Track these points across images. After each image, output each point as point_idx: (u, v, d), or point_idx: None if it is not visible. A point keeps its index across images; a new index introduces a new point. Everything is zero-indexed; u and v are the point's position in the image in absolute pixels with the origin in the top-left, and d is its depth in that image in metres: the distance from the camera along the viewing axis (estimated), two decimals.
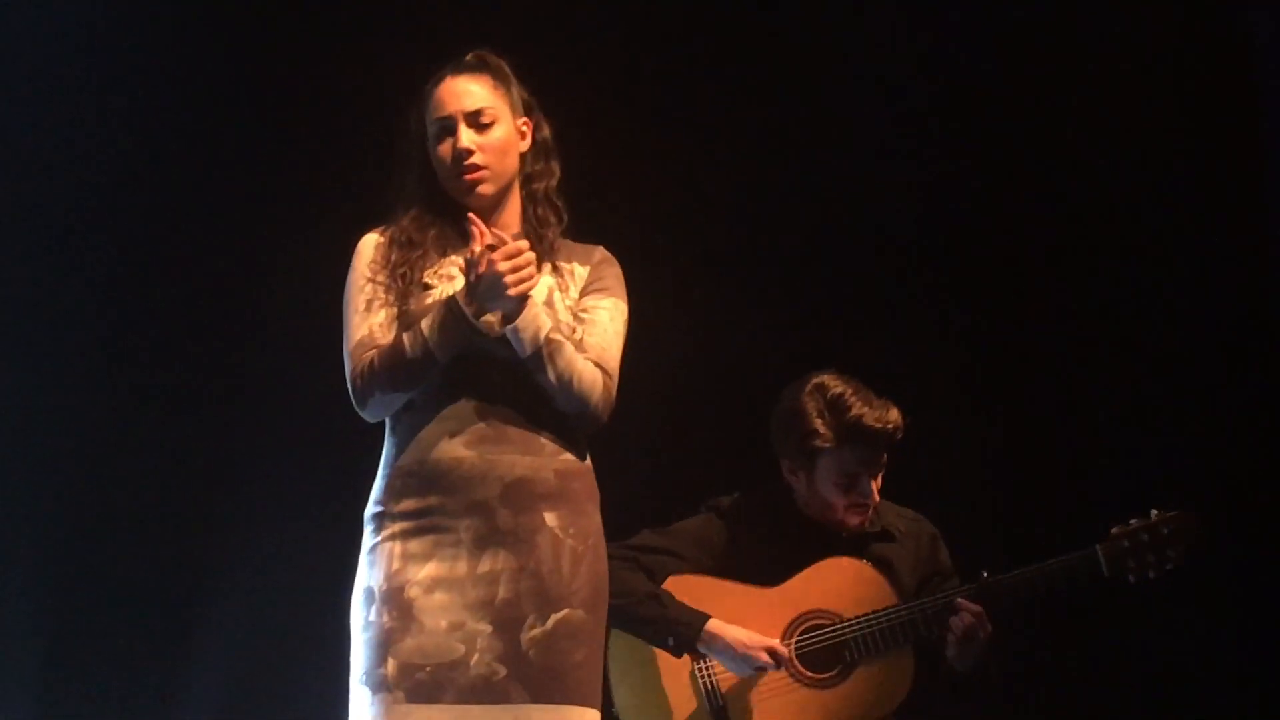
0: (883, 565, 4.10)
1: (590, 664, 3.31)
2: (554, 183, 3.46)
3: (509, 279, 3.18)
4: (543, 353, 3.26)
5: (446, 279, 3.34)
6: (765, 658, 3.96)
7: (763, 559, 4.11)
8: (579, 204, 3.54)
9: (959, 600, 3.96)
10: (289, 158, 4.82)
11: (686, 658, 4.03)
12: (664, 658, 4.05)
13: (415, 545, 3.25)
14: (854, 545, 4.13)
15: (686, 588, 4.07)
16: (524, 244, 3.24)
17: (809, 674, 4.04)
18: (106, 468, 4.74)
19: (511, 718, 3.20)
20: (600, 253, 3.50)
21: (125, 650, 4.69)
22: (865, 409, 4.06)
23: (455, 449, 3.27)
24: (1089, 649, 4.77)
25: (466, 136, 3.36)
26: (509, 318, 3.24)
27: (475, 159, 3.35)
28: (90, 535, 4.72)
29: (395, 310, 3.32)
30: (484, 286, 3.20)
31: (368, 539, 3.33)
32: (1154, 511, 3.99)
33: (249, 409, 4.76)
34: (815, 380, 4.13)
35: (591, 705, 3.30)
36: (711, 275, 4.98)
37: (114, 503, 4.73)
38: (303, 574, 4.46)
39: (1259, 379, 4.76)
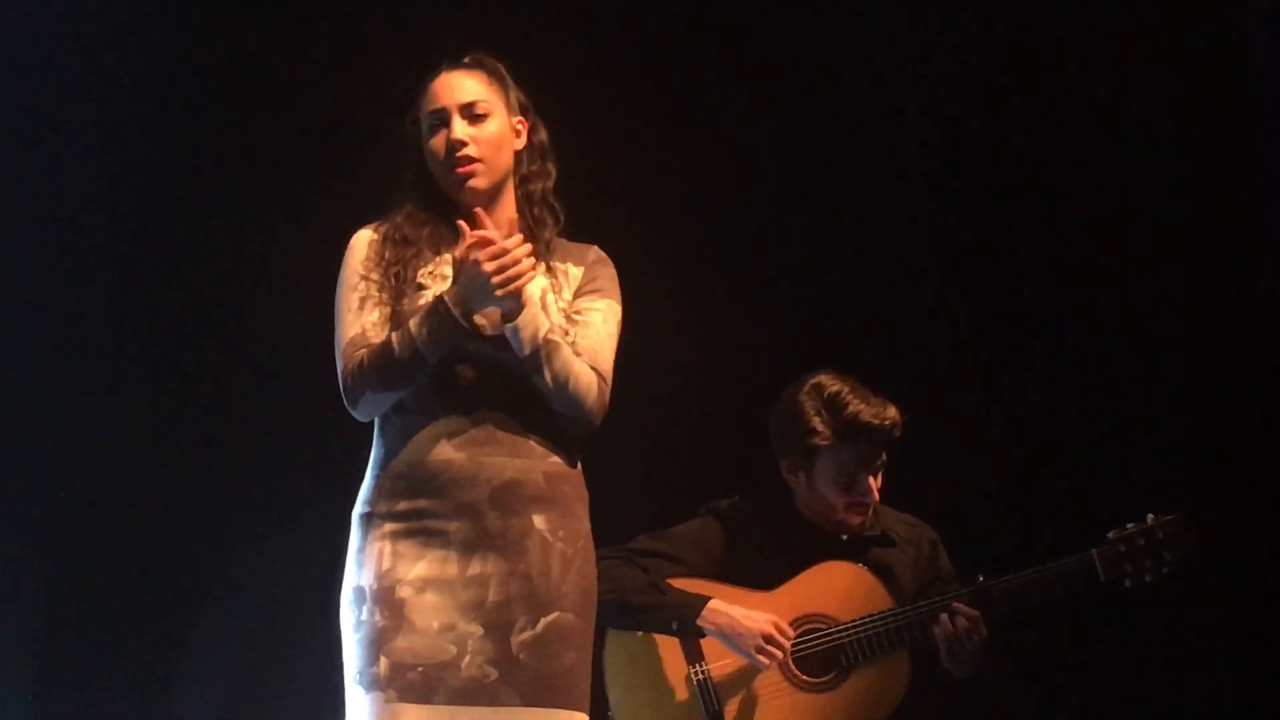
0: (881, 570, 4.10)
1: (580, 667, 3.31)
2: (550, 184, 3.46)
3: (495, 279, 3.18)
4: (540, 353, 3.25)
5: (440, 278, 3.33)
6: (770, 629, 3.94)
7: (761, 563, 4.11)
8: (577, 204, 3.55)
9: (955, 605, 3.97)
10: (282, 155, 4.81)
11: (682, 660, 4.03)
12: (659, 660, 4.05)
13: (405, 546, 3.25)
14: (853, 549, 4.14)
15: (684, 588, 4.06)
16: (514, 241, 3.22)
17: (805, 677, 4.04)
18: (104, 467, 4.74)
19: None
20: (594, 253, 3.50)
21: (123, 650, 4.69)
22: (863, 406, 4.07)
23: (445, 451, 3.27)
24: (1086, 654, 4.75)
25: (459, 128, 3.35)
26: (508, 317, 3.23)
27: (468, 150, 3.34)
28: (88, 534, 4.72)
29: (388, 309, 3.31)
30: (470, 286, 3.20)
31: (356, 539, 3.32)
32: (1150, 516, 4.00)
33: (248, 407, 4.75)
34: (813, 380, 4.14)
35: (580, 709, 3.30)
36: (709, 275, 4.98)
37: (112, 502, 4.74)
38: (301, 573, 4.46)
39: (1256, 382, 4.74)
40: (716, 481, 4.39)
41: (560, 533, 3.31)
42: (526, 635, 3.24)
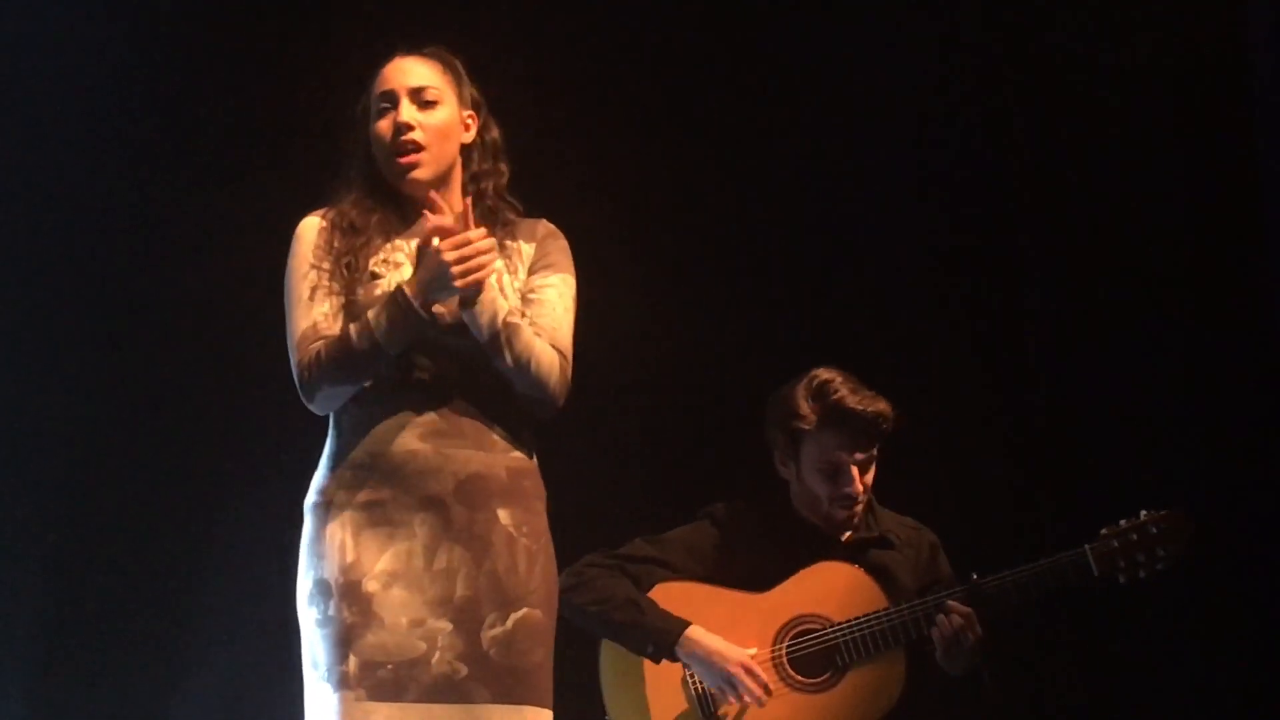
0: (879, 572, 4.08)
1: (547, 664, 3.30)
2: (503, 182, 3.42)
3: (456, 269, 3.15)
4: (501, 337, 3.21)
5: (394, 266, 3.30)
6: (740, 673, 3.95)
7: (758, 565, 4.11)
8: (567, 199, 3.55)
9: (949, 603, 3.96)
10: (228, 141, 4.83)
11: (678, 666, 4.03)
12: (654, 667, 4.04)
13: (368, 538, 3.22)
14: (851, 551, 4.13)
15: (675, 595, 4.08)
16: (478, 234, 3.19)
17: (801, 678, 4.03)
18: (101, 466, 4.78)
19: (474, 718, 3.19)
20: (544, 227, 3.45)
21: (121, 650, 4.73)
22: (849, 393, 4.07)
23: (409, 442, 3.24)
24: (1080, 651, 4.74)
25: (407, 111, 3.32)
26: (466, 302, 3.20)
27: (414, 135, 3.30)
28: (87, 534, 4.76)
29: (341, 299, 3.28)
30: (431, 277, 3.17)
31: (311, 529, 3.29)
32: (1143, 512, 3.98)
33: (250, 407, 4.73)
34: (810, 372, 4.16)
35: (548, 706, 3.29)
36: (705, 274, 5.01)
37: (110, 502, 4.78)
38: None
39: (1250, 379, 4.72)
40: (711, 483, 4.39)
41: (524, 528, 3.29)
42: (497, 631, 3.22)
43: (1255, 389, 4.69)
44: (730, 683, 3.97)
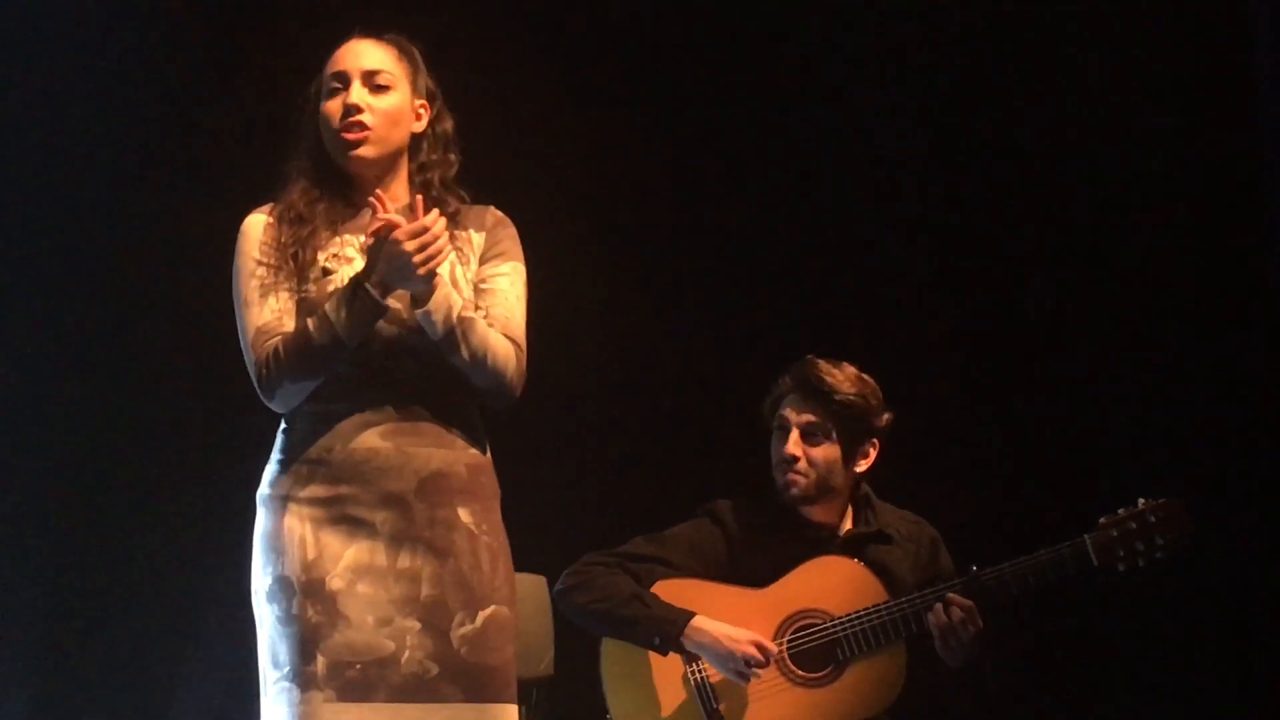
0: (878, 567, 4.07)
1: (514, 660, 3.29)
2: (451, 173, 3.39)
3: (416, 259, 3.13)
4: (456, 332, 3.20)
5: (344, 260, 3.28)
6: (753, 651, 3.94)
7: (757, 561, 4.11)
8: (539, 190, 3.52)
9: (948, 595, 3.95)
10: (173, 134, 4.85)
11: (678, 660, 4.03)
12: (656, 661, 4.04)
13: (329, 535, 3.20)
14: (850, 547, 4.12)
15: (676, 592, 4.07)
16: (432, 218, 3.17)
17: (802, 673, 4.02)
18: (99, 466, 4.82)
19: (445, 717, 3.18)
20: (493, 215, 3.43)
21: (121, 650, 4.77)
22: (823, 366, 4.12)
23: (370, 439, 3.22)
24: (1081, 639, 4.70)
25: (357, 93, 3.29)
26: (419, 300, 3.18)
27: (362, 117, 3.27)
28: (85, 533, 4.80)
29: (292, 295, 3.26)
30: (390, 268, 3.14)
31: (267, 522, 3.26)
32: (1141, 500, 3.95)
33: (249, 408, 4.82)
34: None
35: (515, 702, 3.28)
36: (701, 271, 5.04)
37: (107, 501, 4.83)
38: None
39: (1246, 367, 4.67)
40: (706, 482, 4.41)
41: (484, 525, 3.29)
42: (467, 630, 3.21)
43: (1254, 377, 4.64)
44: (746, 662, 3.95)
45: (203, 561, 4.54)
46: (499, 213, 3.44)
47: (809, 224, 5.05)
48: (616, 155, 5.02)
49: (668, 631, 3.99)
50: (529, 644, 4.26)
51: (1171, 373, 4.81)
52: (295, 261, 3.27)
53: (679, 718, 4.06)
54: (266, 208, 3.37)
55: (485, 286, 3.34)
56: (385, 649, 3.19)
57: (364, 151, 3.30)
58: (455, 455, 3.28)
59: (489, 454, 3.37)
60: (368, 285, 3.16)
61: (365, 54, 3.35)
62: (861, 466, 4.16)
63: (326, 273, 3.27)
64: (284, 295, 3.26)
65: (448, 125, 3.41)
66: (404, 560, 3.22)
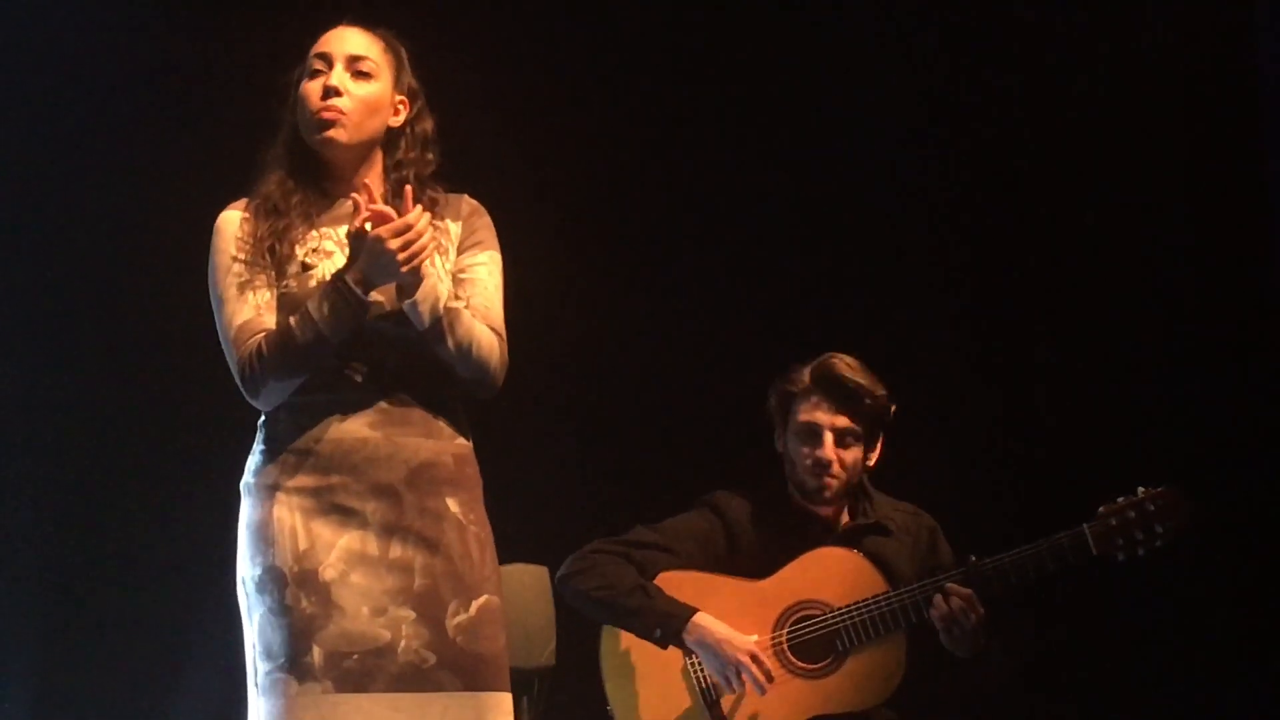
0: (877, 558, 4.07)
1: (505, 650, 3.29)
2: (427, 172, 3.37)
3: (401, 256, 3.12)
4: (442, 323, 3.20)
5: (324, 255, 3.27)
6: (747, 660, 3.95)
7: (757, 552, 4.12)
8: (532, 182, 3.48)
9: (949, 585, 3.95)
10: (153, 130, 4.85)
11: (677, 652, 4.03)
12: (655, 652, 4.05)
13: (320, 525, 3.19)
14: (848, 538, 4.12)
15: (676, 583, 4.08)
16: (416, 215, 3.16)
17: (801, 664, 4.03)
18: (98, 465, 4.83)
19: (443, 706, 3.18)
20: (468, 204, 3.42)
21: (120, 649, 4.78)
22: (844, 365, 4.10)
23: (359, 429, 3.22)
24: (1082, 632, 4.71)
25: (338, 76, 3.28)
26: (406, 292, 3.18)
27: (339, 101, 3.26)
28: (85, 532, 4.81)
29: (271, 290, 3.25)
30: (373, 264, 3.14)
31: (255, 513, 3.25)
32: (1140, 489, 3.95)
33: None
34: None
35: (509, 689, 3.28)
36: (696, 260, 5.04)
37: (105, 498, 4.83)
38: None
39: (1244, 357, 4.68)
40: (704, 471, 4.41)
41: (471, 515, 3.29)
42: (461, 619, 3.21)
43: (1252, 366, 4.64)
44: (736, 670, 3.97)
45: (200, 556, 4.51)
46: (474, 201, 3.44)
47: (806, 209, 5.07)
48: (601, 140, 5.03)
49: (669, 625, 4.00)
50: (531, 634, 4.28)
51: (1170, 361, 4.82)
52: (272, 256, 3.27)
53: (678, 709, 4.07)
54: (241, 203, 3.36)
55: (464, 276, 3.35)
56: (381, 639, 3.18)
57: (336, 134, 3.29)
58: (442, 445, 3.29)
59: (471, 443, 3.37)
60: (350, 282, 3.16)
61: (351, 40, 3.35)
62: (872, 460, 4.17)
63: (306, 268, 3.26)
64: (263, 291, 3.26)
65: (428, 125, 3.40)
66: (395, 550, 3.22)
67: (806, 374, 4.12)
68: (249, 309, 3.24)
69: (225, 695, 4.24)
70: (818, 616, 4.04)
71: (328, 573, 3.19)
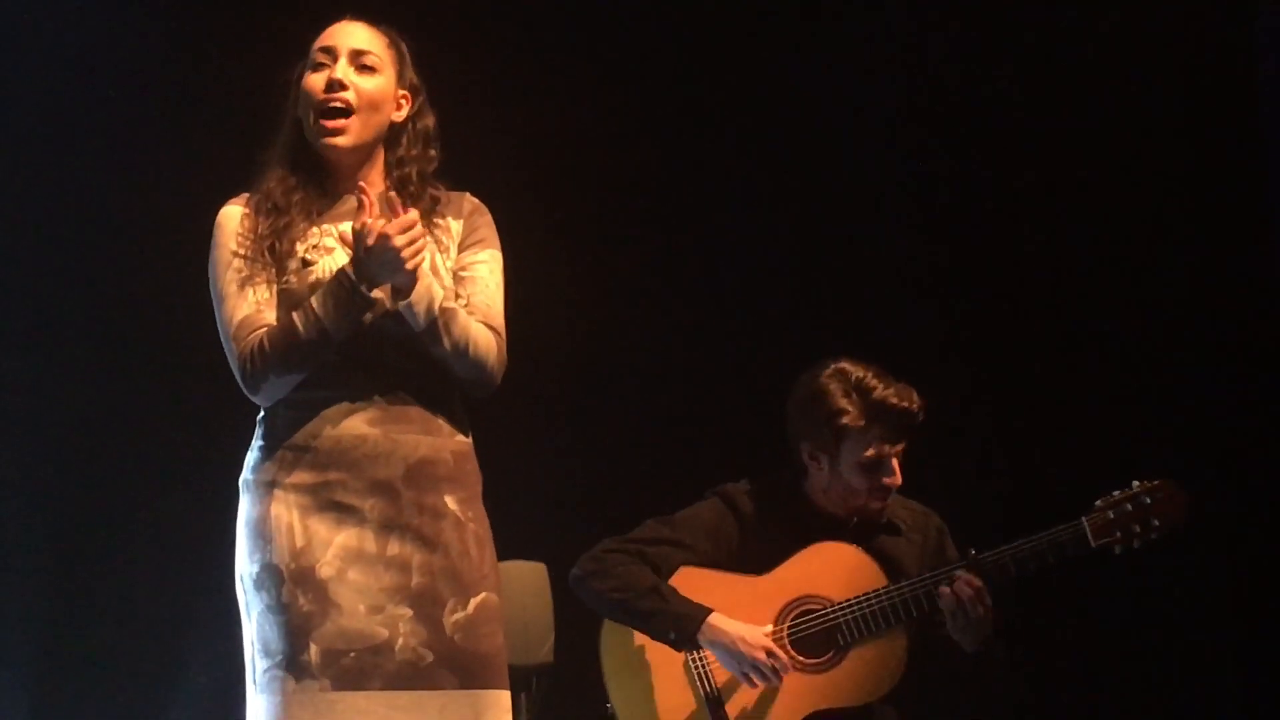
0: (885, 557, 4.08)
1: (504, 647, 3.30)
2: (430, 169, 3.38)
3: (405, 253, 3.14)
4: (438, 324, 3.21)
5: (325, 252, 3.28)
6: (763, 657, 3.96)
7: (765, 546, 4.12)
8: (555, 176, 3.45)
9: (958, 574, 3.96)
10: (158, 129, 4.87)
11: (680, 650, 4.05)
12: (656, 649, 4.07)
13: (317, 522, 3.20)
14: (859, 536, 4.12)
15: (683, 580, 4.09)
16: (414, 216, 3.17)
17: (802, 659, 4.04)
18: (97, 461, 4.84)
19: (441, 704, 3.19)
20: (469, 202, 3.43)
21: (120, 648, 4.79)
22: (889, 389, 4.08)
23: (357, 426, 3.22)
24: (1078, 620, 4.72)
25: (343, 69, 3.29)
26: (401, 292, 3.19)
27: (345, 95, 3.27)
28: (84, 529, 4.83)
29: (271, 286, 3.26)
30: (378, 261, 3.14)
31: (253, 510, 3.25)
32: (1136, 482, 3.96)
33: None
34: (834, 365, 4.13)
35: (507, 687, 3.29)
36: (695, 258, 5.06)
37: (103, 494, 4.84)
38: None
39: (1242, 351, 4.68)
40: (705, 467, 4.41)
41: (470, 513, 3.29)
42: (459, 616, 3.22)
43: (1250, 360, 4.65)
44: (754, 665, 3.97)
45: (199, 553, 4.48)
46: (475, 200, 3.45)
47: (805, 206, 5.07)
48: (599, 138, 5.04)
49: (684, 628, 4.01)
50: (529, 631, 4.28)
51: (1167, 354, 4.82)
52: (273, 252, 3.27)
53: (679, 705, 4.08)
54: (242, 199, 3.37)
55: (465, 274, 3.36)
56: (379, 636, 3.19)
57: (341, 141, 3.30)
58: (441, 442, 3.29)
59: (471, 440, 3.38)
60: (354, 278, 3.17)
61: (355, 34, 3.36)
62: None
63: (306, 264, 3.27)
64: (263, 287, 3.27)
65: (429, 121, 3.41)
66: (393, 548, 3.22)
67: (854, 406, 4.06)
68: (249, 305, 3.25)
69: (224, 693, 4.32)
70: (818, 611, 4.05)
71: (325, 570, 3.19)
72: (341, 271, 3.19)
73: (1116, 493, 3.96)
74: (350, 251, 3.22)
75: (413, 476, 3.25)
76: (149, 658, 4.79)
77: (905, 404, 4.07)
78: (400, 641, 3.20)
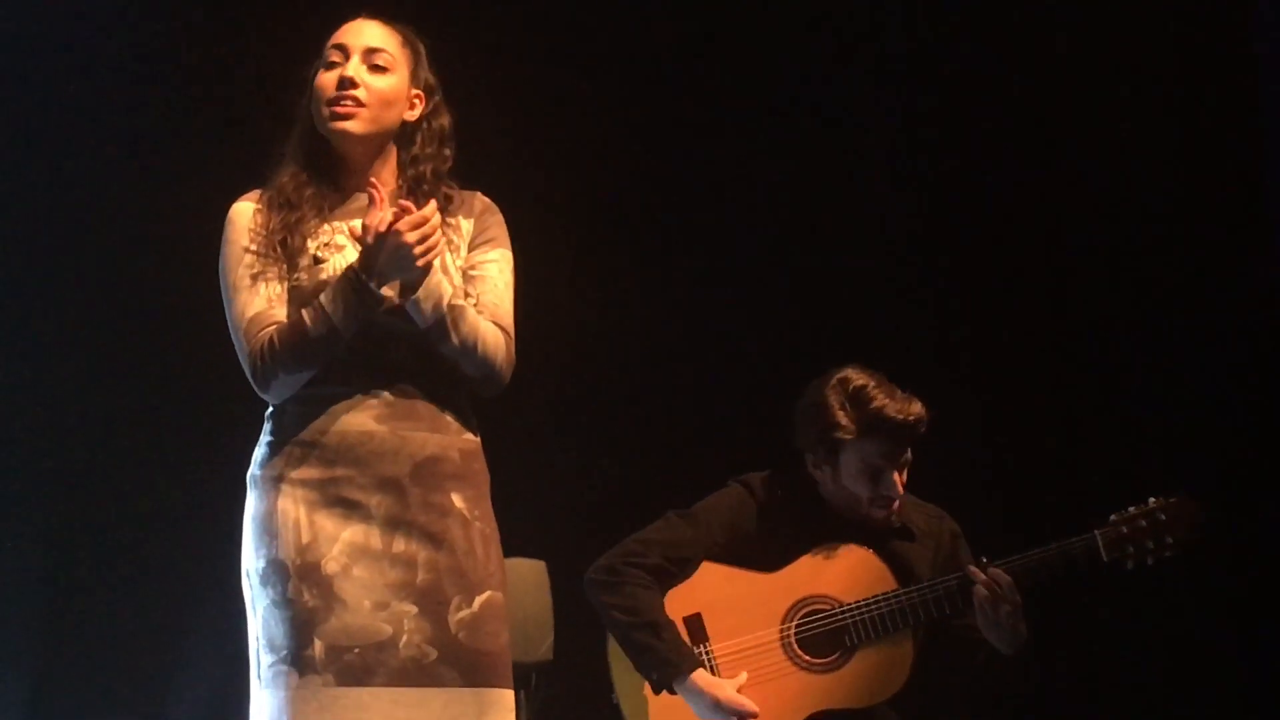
0: (897, 561, 4.07)
1: (508, 646, 3.29)
2: (444, 168, 3.37)
3: (417, 250, 3.13)
4: (445, 321, 3.21)
5: (335, 249, 3.27)
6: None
7: (780, 541, 4.11)
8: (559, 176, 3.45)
9: (991, 569, 3.93)
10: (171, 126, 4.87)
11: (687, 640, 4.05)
12: None
13: (323, 517, 3.20)
14: (872, 538, 4.10)
15: (701, 580, 4.09)
16: (430, 209, 3.16)
17: (808, 658, 4.04)
18: (106, 457, 4.85)
19: (444, 701, 3.19)
20: (481, 201, 3.43)
21: (127, 643, 4.81)
22: (887, 401, 4.03)
23: (365, 422, 3.22)
24: (1085, 636, 4.71)
25: (355, 67, 3.28)
26: (409, 288, 3.18)
27: (356, 92, 3.26)
28: (92, 524, 4.83)
29: (282, 283, 3.26)
30: (390, 258, 3.14)
31: (260, 504, 3.25)
32: (1151, 499, 3.94)
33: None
34: (839, 374, 4.11)
35: (511, 686, 3.29)
36: (698, 257, 5.05)
37: (102, 492, 4.85)
38: None
39: (1259, 367, 4.65)
40: (706, 466, 4.41)
41: (477, 512, 3.29)
42: (464, 614, 3.22)
43: (1266, 376, 4.62)
44: None
45: (207, 548, 4.49)
46: (486, 199, 3.44)
47: (815, 207, 5.06)
48: (609, 138, 5.04)
49: (666, 675, 3.99)
50: (529, 629, 4.29)
51: (1187, 369, 4.80)
52: (284, 248, 3.27)
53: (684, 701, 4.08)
54: (254, 195, 3.36)
55: (475, 273, 3.35)
56: (383, 633, 3.19)
57: (350, 126, 3.28)
58: (449, 440, 3.29)
59: (480, 439, 3.37)
60: (364, 275, 3.16)
61: (369, 32, 3.35)
62: None
63: (318, 261, 3.26)
64: (274, 283, 3.26)
65: (444, 121, 3.39)
66: (399, 544, 3.22)
67: (848, 419, 4.03)
68: (260, 301, 3.25)
69: (228, 687, 4.34)
70: (826, 611, 4.05)
71: (330, 566, 3.19)
72: (350, 268, 3.19)
73: (1131, 508, 3.95)
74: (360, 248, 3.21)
75: (420, 474, 3.24)
76: (153, 653, 4.81)
77: (902, 416, 4.02)
78: (404, 638, 3.20)
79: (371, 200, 3.18)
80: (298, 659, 3.17)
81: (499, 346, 3.30)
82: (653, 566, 4.08)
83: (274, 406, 3.31)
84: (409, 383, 3.26)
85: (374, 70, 3.31)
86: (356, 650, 3.18)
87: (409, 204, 3.18)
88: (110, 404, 4.85)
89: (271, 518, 3.23)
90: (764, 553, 4.12)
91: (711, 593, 4.05)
